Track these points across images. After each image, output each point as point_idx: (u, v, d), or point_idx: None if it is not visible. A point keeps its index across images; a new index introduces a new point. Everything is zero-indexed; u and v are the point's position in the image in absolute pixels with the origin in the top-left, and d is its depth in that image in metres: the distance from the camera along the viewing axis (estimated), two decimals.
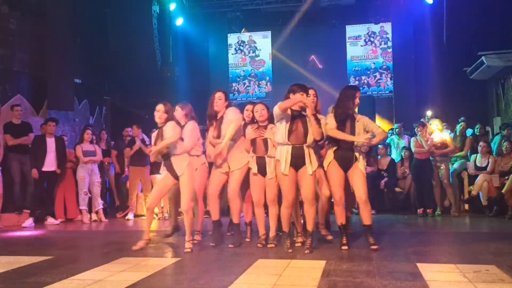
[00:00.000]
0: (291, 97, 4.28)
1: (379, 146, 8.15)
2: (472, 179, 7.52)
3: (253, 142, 4.67)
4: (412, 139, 7.56)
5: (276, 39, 14.77)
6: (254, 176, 4.69)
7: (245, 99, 14.41)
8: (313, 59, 14.53)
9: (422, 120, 8.54)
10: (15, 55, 8.60)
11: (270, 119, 4.74)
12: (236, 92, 15.05)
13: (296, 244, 4.63)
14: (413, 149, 7.44)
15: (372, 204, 4.72)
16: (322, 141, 4.55)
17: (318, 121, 4.30)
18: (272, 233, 4.69)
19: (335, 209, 4.55)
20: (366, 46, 14.34)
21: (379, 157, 8.34)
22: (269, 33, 14.89)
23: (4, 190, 6.90)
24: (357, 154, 4.47)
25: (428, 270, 3.47)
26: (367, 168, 6.73)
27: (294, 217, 4.80)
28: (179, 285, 3.22)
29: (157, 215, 7.71)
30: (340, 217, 4.51)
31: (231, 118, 4.76)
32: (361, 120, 4.49)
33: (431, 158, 7.31)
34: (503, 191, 6.86)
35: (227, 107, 4.84)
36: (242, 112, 5.02)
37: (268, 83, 14.96)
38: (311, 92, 4.66)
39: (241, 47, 15.15)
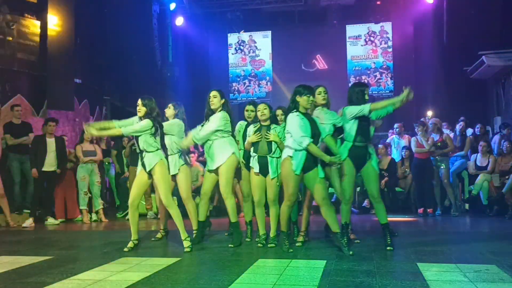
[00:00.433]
0: (299, 100, 4.21)
1: (379, 146, 8.16)
2: (472, 178, 7.52)
3: (255, 141, 4.67)
4: (413, 138, 7.56)
5: (276, 38, 14.77)
6: (255, 176, 4.68)
7: (245, 99, 14.41)
8: (318, 58, 14.52)
9: (422, 119, 8.53)
10: (15, 55, 8.59)
11: (273, 119, 4.75)
12: (236, 92, 15.04)
13: (297, 244, 4.63)
14: (413, 149, 7.44)
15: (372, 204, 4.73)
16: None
17: None
18: (272, 233, 4.69)
19: (342, 208, 4.53)
20: (366, 45, 14.34)
21: (379, 156, 8.33)
22: (269, 32, 14.89)
23: (4, 190, 6.91)
24: (371, 151, 4.47)
25: (429, 270, 3.47)
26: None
27: (305, 216, 4.82)
28: (179, 285, 3.22)
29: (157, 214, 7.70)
30: (346, 216, 4.51)
31: (211, 121, 4.75)
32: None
33: (431, 157, 7.31)
34: (503, 190, 6.86)
35: (224, 104, 4.83)
36: (242, 112, 5.07)
37: (268, 83, 14.96)
38: (321, 89, 4.65)
39: (241, 47, 15.14)
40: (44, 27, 8.80)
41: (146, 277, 3.44)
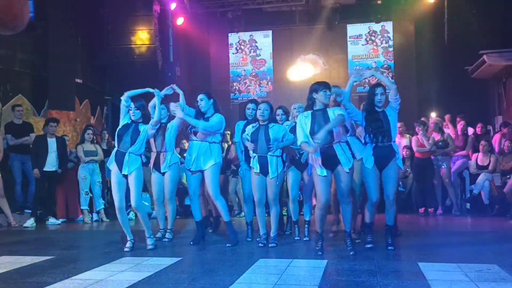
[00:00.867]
0: (316, 97, 4.16)
1: None
2: (473, 178, 7.50)
3: (255, 141, 4.66)
4: (414, 138, 7.55)
5: (277, 38, 14.75)
6: (256, 176, 4.68)
7: (246, 98, 14.38)
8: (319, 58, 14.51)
9: (423, 119, 8.51)
10: (16, 55, 8.59)
11: (273, 119, 4.77)
12: (237, 92, 15.03)
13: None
14: (414, 148, 7.43)
15: None
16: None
17: None
18: (273, 233, 4.69)
19: (369, 209, 4.49)
20: (367, 45, 14.31)
21: None
22: (270, 32, 14.87)
23: (5, 190, 6.91)
24: (395, 149, 4.41)
25: (430, 269, 3.46)
26: None
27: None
28: (179, 285, 3.22)
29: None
30: (371, 216, 4.50)
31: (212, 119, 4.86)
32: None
33: (432, 157, 7.30)
34: (504, 190, 6.85)
35: (213, 104, 4.93)
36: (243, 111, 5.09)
37: (269, 83, 14.93)
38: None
39: (242, 47, 15.13)
40: (44, 27, 8.80)
41: (147, 277, 3.45)
